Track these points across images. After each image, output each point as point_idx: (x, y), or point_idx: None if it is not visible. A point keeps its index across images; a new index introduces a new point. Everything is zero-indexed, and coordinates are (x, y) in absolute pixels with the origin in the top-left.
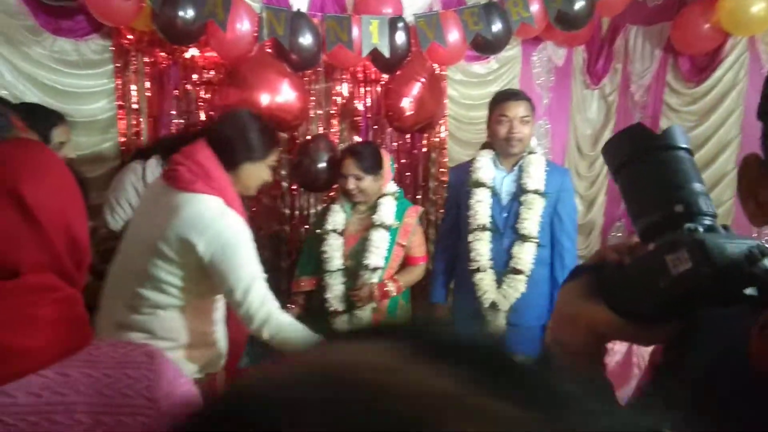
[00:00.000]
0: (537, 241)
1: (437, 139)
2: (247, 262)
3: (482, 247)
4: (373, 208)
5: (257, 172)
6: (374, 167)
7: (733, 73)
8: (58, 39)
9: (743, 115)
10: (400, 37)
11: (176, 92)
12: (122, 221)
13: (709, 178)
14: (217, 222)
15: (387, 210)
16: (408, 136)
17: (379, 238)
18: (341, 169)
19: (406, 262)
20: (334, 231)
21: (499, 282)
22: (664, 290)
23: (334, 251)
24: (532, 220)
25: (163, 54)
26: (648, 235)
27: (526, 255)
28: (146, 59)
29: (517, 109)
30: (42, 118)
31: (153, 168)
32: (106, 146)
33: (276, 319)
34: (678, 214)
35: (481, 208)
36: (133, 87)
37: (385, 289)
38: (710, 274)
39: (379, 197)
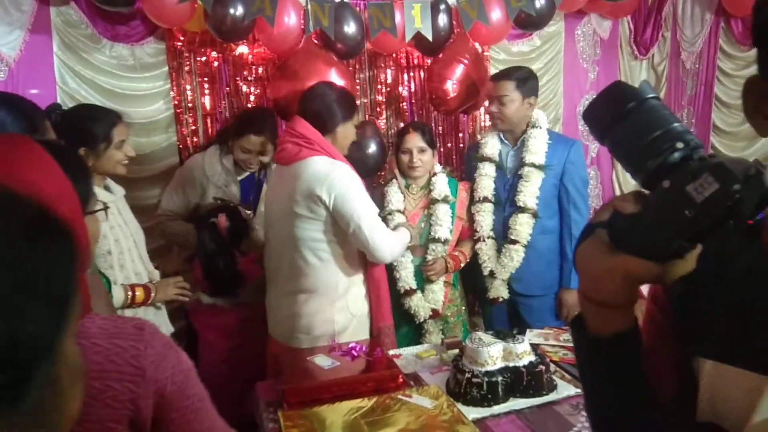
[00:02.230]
0: (533, 211)
1: (482, 122)
2: (365, 203)
3: (484, 219)
4: (425, 186)
5: (349, 132)
6: (432, 141)
7: None
8: (116, 45)
9: None
10: (443, 20)
11: (227, 89)
12: (175, 205)
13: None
14: (332, 172)
15: (443, 185)
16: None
17: (443, 211)
18: (403, 145)
19: (460, 236)
20: (398, 210)
21: (500, 252)
22: (692, 219)
23: None
24: (529, 192)
25: (213, 53)
26: (653, 181)
27: (522, 226)
28: (198, 59)
29: (499, 89)
30: (103, 118)
31: (210, 156)
32: (165, 145)
33: (394, 243)
34: (678, 151)
35: (485, 181)
36: (188, 87)
37: (458, 259)
38: (738, 190)
39: (432, 175)
